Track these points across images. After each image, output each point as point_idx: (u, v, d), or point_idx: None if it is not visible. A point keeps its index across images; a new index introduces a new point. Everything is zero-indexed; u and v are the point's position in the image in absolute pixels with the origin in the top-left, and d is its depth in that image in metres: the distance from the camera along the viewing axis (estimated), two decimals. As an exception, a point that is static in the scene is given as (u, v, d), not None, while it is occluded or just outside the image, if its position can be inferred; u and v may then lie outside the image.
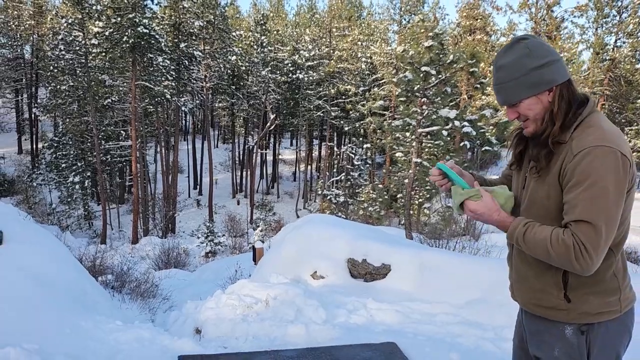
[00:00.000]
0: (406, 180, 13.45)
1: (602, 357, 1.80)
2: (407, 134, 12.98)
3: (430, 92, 12.66)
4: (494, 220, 1.85)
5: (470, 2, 36.64)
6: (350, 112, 35.85)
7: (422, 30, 12.58)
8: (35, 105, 42.78)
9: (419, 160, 12.44)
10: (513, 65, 1.78)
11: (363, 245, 6.58)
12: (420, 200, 18.66)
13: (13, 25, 43.96)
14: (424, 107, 12.24)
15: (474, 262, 6.20)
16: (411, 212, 17.09)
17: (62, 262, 6.44)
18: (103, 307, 6.24)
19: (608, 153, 1.63)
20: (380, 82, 33.98)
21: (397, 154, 14.23)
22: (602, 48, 32.65)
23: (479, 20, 35.64)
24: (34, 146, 43.56)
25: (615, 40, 33.48)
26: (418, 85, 12.01)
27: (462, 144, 13.07)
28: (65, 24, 29.92)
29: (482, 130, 12.66)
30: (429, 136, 13.10)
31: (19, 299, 5.00)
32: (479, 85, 13.39)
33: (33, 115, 44.43)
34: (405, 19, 35.52)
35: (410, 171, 12.77)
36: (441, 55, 12.70)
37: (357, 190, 28.55)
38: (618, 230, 1.70)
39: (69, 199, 32.64)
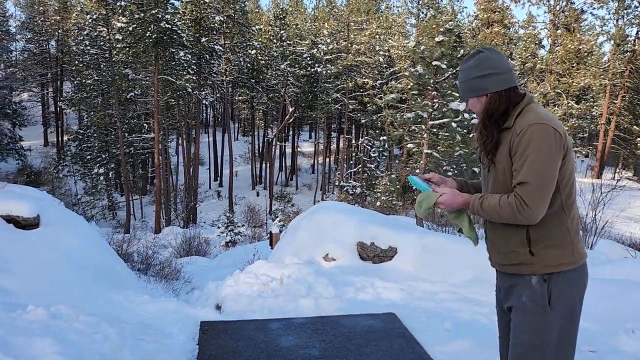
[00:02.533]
0: (417, 171, 13.82)
1: (560, 301, 2.15)
2: (422, 126, 13.33)
3: (442, 86, 13.01)
4: (459, 202, 2.30)
5: (488, -6, 36.55)
6: (368, 105, 36.14)
7: (434, 26, 12.90)
8: (61, 98, 43.90)
9: (429, 151, 12.85)
10: (465, 71, 2.30)
11: (371, 229, 7.03)
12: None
13: (39, 21, 45.08)
14: (435, 100, 12.60)
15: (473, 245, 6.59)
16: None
17: (94, 244, 7.00)
18: (131, 285, 6.79)
19: (542, 127, 2.06)
20: (398, 75, 34.22)
21: (408, 146, 14.60)
22: (623, 40, 32.34)
23: (496, 13, 35.53)
24: (60, 139, 44.73)
25: (637, 32, 33.14)
26: (430, 79, 12.35)
27: (471, 136, 13.39)
28: (89, 20, 30.76)
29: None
30: (444, 129, 13.45)
31: (57, 275, 5.56)
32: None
33: (58, 109, 45.59)
34: (422, 12, 35.63)
35: (421, 162, 13.18)
36: (459, 49, 12.92)
37: (373, 182, 28.97)
38: (564, 191, 2.14)
39: (94, 190, 33.60)
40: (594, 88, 33.92)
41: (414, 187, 2.59)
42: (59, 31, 45.71)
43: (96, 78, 32.64)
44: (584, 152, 39.90)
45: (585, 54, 34.66)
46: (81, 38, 32.59)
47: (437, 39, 12.58)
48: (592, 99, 36.05)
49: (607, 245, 10.71)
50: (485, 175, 2.42)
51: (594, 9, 32.96)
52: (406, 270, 6.51)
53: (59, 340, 2.71)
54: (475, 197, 2.26)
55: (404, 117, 13.11)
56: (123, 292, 5.79)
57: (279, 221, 26.56)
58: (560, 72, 34.18)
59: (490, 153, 2.26)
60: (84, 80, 33.75)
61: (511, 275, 2.28)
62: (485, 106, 2.28)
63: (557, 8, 34.06)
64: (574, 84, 33.40)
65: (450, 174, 13.87)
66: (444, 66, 12.50)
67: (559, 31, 34.59)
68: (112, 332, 3.10)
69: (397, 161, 26.73)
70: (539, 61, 34.44)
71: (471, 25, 41.26)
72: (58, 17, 45.17)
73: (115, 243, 9.72)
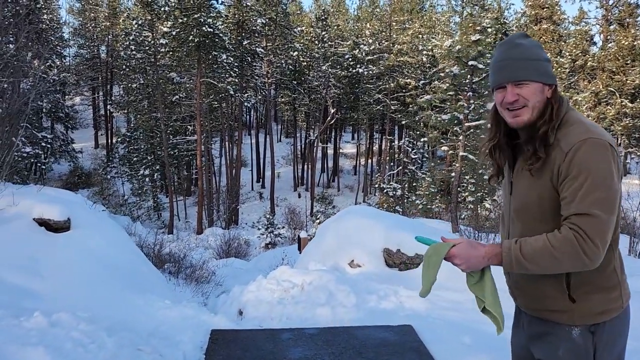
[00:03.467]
0: (453, 174, 13.45)
1: (606, 355, 1.77)
2: (458, 128, 12.94)
3: (479, 86, 12.56)
4: (481, 254, 1.76)
5: (536, -10, 35.49)
6: (410, 105, 35.71)
7: (471, 24, 12.50)
8: (110, 102, 45.36)
9: (465, 154, 12.42)
10: (530, 48, 1.77)
11: (398, 235, 6.85)
12: (479, 194, 18.44)
13: (90, 27, 46.76)
14: (471, 101, 12.20)
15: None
16: (471, 206, 17.00)
17: (122, 247, 7.09)
18: (157, 288, 6.84)
19: (597, 144, 1.63)
20: (441, 75, 33.64)
21: (443, 148, 14.21)
22: (680, 35, 30.76)
23: (545, 9, 34.42)
24: (109, 141, 46.24)
25: (697, 26, 31.45)
26: (465, 80, 11.97)
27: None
28: (135, 25, 31.65)
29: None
30: (481, 131, 13.02)
31: (82, 278, 5.65)
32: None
33: (108, 112, 47.15)
34: (467, 11, 34.88)
35: (457, 164, 12.79)
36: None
37: (414, 184, 28.56)
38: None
39: (140, 191, 34.51)
40: (650, 86, 32.38)
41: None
42: (109, 37, 47.33)
43: (142, 82, 33.54)
44: (639, 153, 38.16)
45: (640, 50, 33.14)
46: (127, 43, 33.56)
47: (473, 38, 12.17)
48: (647, 98, 34.44)
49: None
50: (509, 200, 1.91)
51: (650, 2, 31.52)
52: (433, 279, 6.30)
53: (52, 349, 2.70)
54: (510, 243, 1.71)
55: (439, 118, 12.76)
56: (145, 296, 5.82)
57: (319, 223, 26.56)
58: (614, 69, 32.78)
59: (537, 168, 1.73)
60: (130, 84, 34.74)
61: (544, 321, 1.84)
62: (555, 103, 1.76)
63: (610, 3, 32.71)
64: (628, 81, 31.94)
65: (486, 177, 13.39)
66: (481, 66, 12.05)
67: (612, 27, 33.22)
68: (109, 341, 3.08)
69: (432, 163, 26.26)
70: (590, 58, 33.14)
71: (519, 23, 40.16)
72: (108, 23, 46.76)
73: (148, 246, 9.86)
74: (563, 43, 36.80)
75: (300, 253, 12.24)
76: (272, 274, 6.61)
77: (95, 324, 3.34)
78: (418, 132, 29.71)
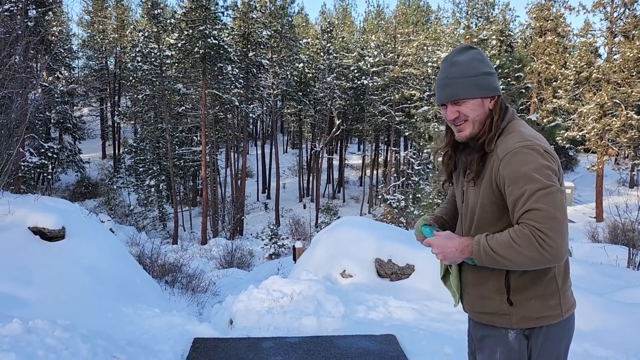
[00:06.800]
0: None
1: None
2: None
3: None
4: (455, 244, 1.81)
5: (540, 2, 35.45)
6: (414, 117, 35.75)
7: (468, 36, 12.51)
8: (117, 113, 45.79)
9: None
10: (468, 64, 1.83)
11: (389, 246, 6.85)
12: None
13: (98, 39, 47.32)
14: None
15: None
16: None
17: (116, 256, 7.14)
18: (149, 297, 6.87)
19: (529, 150, 1.69)
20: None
21: (439, 159, 14.09)
22: (686, 46, 30.56)
23: (549, 22, 34.41)
24: (116, 151, 46.56)
25: (703, 38, 31.28)
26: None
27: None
28: (142, 37, 32.01)
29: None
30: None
31: (72, 286, 5.70)
32: (524, 90, 13.09)
33: (115, 123, 47.55)
34: (472, 23, 34.97)
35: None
36: (510, 59, 12.56)
37: (417, 195, 28.49)
38: None
39: (145, 202, 34.66)
40: (656, 98, 32.18)
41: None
42: (117, 48, 47.85)
43: (148, 93, 33.84)
44: (646, 165, 37.90)
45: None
46: (134, 55, 33.93)
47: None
48: (653, 109, 34.21)
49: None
50: (461, 208, 1.99)
51: (655, 14, 31.37)
52: (423, 289, 6.30)
53: (24, 355, 2.74)
54: (480, 235, 1.75)
55: (437, 129, 12.77)
56: (135, 305, 5.86)
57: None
58: (619, 81, 32.65)
59: (476, 176, 1.84)
60: (137, 95, 35.06)
61: (484, 325, 1.93)
62: (495, 114, 1.83)
63: (615, 15, 32.63)
64: (633, 93, 31.79)
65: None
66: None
67: (616, 39, 33.11)
68: (83, 348, 3.11)
69: (431, 174, 26.19)
70: (595, 70, 33.02)
71: (523, 35, 40.14)
72: (116, 35, 47.30)
73: (145, 254, 9.91)
74: (568, 55, 36.74)
75: (295, 263, 12.26)
76: (263, 283, 6.62)
77: (72, 332, 3.37)
78: (421, 144, 29.73)
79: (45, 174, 31.36)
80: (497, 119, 1.83)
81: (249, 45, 35.14)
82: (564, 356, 1.90)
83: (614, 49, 32.80)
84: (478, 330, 1.97)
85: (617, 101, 31.83)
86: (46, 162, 29.75)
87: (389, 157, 41.25)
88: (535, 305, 1.80)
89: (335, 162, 50.22)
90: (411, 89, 36.64)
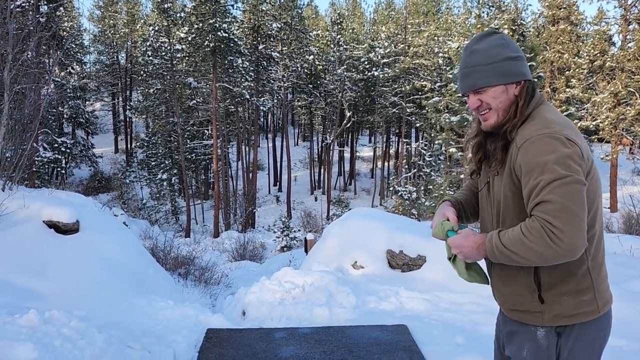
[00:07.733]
0: (462, 176, 13.38)
1: None
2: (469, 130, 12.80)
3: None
4: (471, 243, 1.77)
5: (553, -10, 35.05)
6: (426, 108, 35.59)
7: (479, 25, 12.39)
8: (129, 107, 46.09)
9: (473, 155, 12.26)
10: (488, 51, 1.76)
11: (401, 237, 6.86)
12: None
13: (109, 34, 47.55)
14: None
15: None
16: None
17: (129, 249, 7.22)
18: (162, 289, 6.94)
19: (549, 138, 1.62)
20: (449, 76, 33.47)
21: (451, 150, 14.11)
22: (703, 33, 30.06)
23: (562, 10, 33.98)
24: (128, 146, 46.87)
25: None
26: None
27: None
28: (152, 31, 32.11)
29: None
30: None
31: (87, 279, 5.78)
32: (536, 80, 12.95)
33: (127, 117, 47.87)
34: (483, 12, 34.63)
35: (466, 167, 12.72)
36: (522, 48, 12.36)
37: (429, 187, 28.41)
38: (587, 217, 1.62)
39: (158, 195, 34.92)
40: (672, 86, 31.70)
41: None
42: (128, 43, 48.07)
43: (159, 87, 33.98)
44: (661, 155, 37.40)
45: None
46: (145, 49, 34.05)
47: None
48: (669, 98, 33.71)
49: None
50: (485, 199, 1.93)
51: (670, 1, 30.85)
52: (434, 280, 6.30)
53: (40, 345, 2.79)
54: (492, 232, 1.71)
55: (448, 120, 12.70)
56: (149, 296, 5.92)
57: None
58: (633, 69, 32.21)
59: (499, 165, 1.78)
60: (148, 90, 35.23)
61: (513, 321, 1.86)
62: (520, 100, 1.75)
63: (629, 2, 32.14)
64: (648, 81, 31.39)
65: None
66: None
67: (630, 26, 32.64)
68: (99, 338, 3.17)
69: (442, 165, 26.04)
70: (609, 59, 32.60)
71: (536, 23, 39.68)
72: (127, 30, 47.50)
73: (159, 247, 10.00)
74: (581, 44, 36.28)
75: (306, 254, 12.30)
76: (275, 275, 6.66)
77: (88, 322, 3.43)
78: (432, 135, 29.62)
79: (59, 169, 31.70)
80: (522, 104, 1.76)
81: (259, 38, 35.12)
82: (598, 355, 1.80)
83: (628, 37, 32.34)
84: (508, 324, 1.91)
85: (632, 89, 31.41)
86: (60, 156, 30.05)
87: (400, 149, 41.13)
88: (569, 302, 1.72)
89: (347, 155, 50.14)
90: (422, 80, 36.42)
